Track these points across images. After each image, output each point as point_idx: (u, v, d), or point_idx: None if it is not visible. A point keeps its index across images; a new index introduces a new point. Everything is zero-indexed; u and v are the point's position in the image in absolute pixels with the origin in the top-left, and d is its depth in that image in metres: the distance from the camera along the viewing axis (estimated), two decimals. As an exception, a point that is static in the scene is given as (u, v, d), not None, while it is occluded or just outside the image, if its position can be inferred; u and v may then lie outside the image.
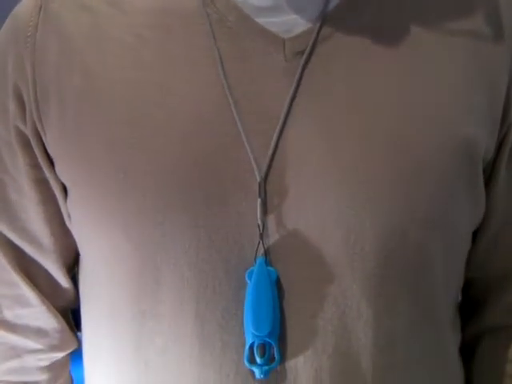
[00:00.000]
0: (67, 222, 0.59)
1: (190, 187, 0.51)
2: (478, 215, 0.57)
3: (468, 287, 0.63)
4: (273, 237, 0.51)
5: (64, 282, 0.62)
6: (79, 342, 0.64)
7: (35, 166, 0.57)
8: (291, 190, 0.51)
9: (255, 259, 0.52)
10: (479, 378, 0.64)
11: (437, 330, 0.57)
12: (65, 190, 0.57)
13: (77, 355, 0.68)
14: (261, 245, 0.51)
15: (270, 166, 0.51)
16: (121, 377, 0.57)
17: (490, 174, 0.57)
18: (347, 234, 0.51)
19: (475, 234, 0.59)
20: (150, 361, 0.54)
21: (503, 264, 0.61)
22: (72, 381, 0.69)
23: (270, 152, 0.51)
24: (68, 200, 0.57)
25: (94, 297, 0.59)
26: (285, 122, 0.51)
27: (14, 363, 0.62)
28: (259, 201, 0.51)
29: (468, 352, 0.64)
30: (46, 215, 0.58)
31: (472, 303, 0.64)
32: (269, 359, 0.52)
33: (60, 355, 0.63)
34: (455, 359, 0.61)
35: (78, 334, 0.68)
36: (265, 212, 0.51)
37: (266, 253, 0.52)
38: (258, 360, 0.52)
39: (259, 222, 0.51)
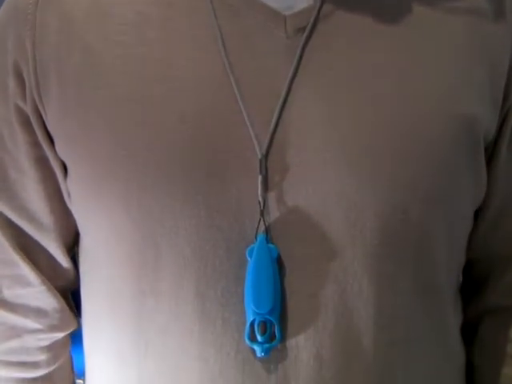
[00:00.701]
0: (67, 201, 0.58)
1: (190, 164, 0.51)
2: (479, 195, 0.57)
3: (469, 268, 0.63)
4: (273, 214, 0.51)
5: (64, 261, 0.61)
6: (79, 322, 0.64)
7: (35, 144, 0.57)
8: (292, 166, 0.51)
9: (256, 236, 0.51)
10: (480, 359, 0.64)
11: (438, 309, 0.57)
12: (65, 168, 0.57)
13: (76, 341, 0.68)
14: (261, 222, 0.51)
15: (271, 143, 0.51)
16: (121, 357, 0.57)
17: (491, 154, 0.57)
18: (348, 211, 0.51)
19: (476, 215, 0.59)
20: (150, 340, 0.54)
21: (504, 245, 0.61)
22: (72, 361, 0.68)
23: (271, 129, 0.51)
24: (68, 178, 0.57)
25: (94, 276, 0.58)
26: (286, 99, 0.51)
27: (13, 343, 0.61)
28: (260, 178, 0.51)
29: (469, 333, 0.64)
30: (45, 194, 0.58)
31: (473, 284, 0.64)
32: (270, 337, 0.52)
33: (60, 335, 0.63)
34: (456, 339, 0.61)
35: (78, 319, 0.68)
36: (266, 189, 0.51)
37: (267, 230, 0.51)
38: (259, 338, 0.52)
39: (260, 199, 0.51)
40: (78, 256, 0.62)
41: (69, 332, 0.64)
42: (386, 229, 0.52)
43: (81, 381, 0.73)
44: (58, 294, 0.62)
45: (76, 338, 0.69)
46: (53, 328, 0.62)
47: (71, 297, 0.66)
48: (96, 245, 0.57)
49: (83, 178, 0.55)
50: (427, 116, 0.52)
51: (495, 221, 0.60)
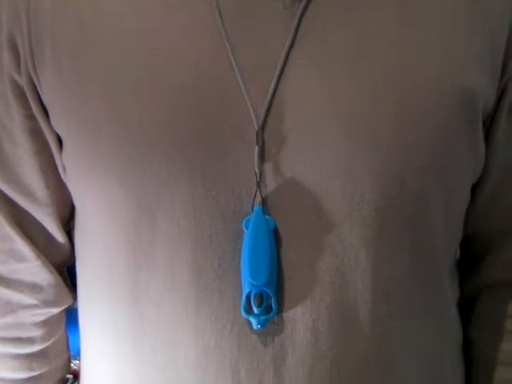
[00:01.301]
0: (62, 175, 0.58)
1: (186, 134, 0.50)
2: (477, 166, 0.57)
3: (466, 244, 0.63)
4: (270, 185, 0.51)
5: (59, 236, 0.61)
6: (75, 298, 0.64)
7: (30, 116, 0.56)
8: (289, 137, 0.51)
9: (252, 208, 0.51)
10: (478, 335, 0.64)
11: (436, 282, 0.57)
12: (60, 141, 0.57)
13: (72, 322, 0.68)
14: (258, 193, 0.51)
15: (267, 114, 0.51)
16: (116, 330, 0.56)
17: (489, 126, 0.57)
18: (345, 183, 0.51)
19: (474, 189, 0.59)
20: (146, 313, 0.54)
21: (502, 218, 0.61)
22: (67, 338, 0.68)
23: (268, 99, 0.50)
24: (63, 151, 0.56)
25: (90, 250, 0.58)
26: (283, 69, 0.51)
27: (8, 319, 0.61)
28: (257, 149, 0.50)
29: (466, 309, 0.64)
30: (40, 167, 0.58)
31: (470, 260, 0.64)
32: (266, 309, 0.52)
33: (55, 311, 0.63)
34: (453, 314, 0.61)
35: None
36: (262, 160, 0.51)
37: (264, 201, 0.51)
38: (255, 310, 0.51)
39: (256, 171, 0.50)
40: (73, 231, 0.62)
41: (64, 308, 0.64)
42: (383, 200, 0.51)
43: (77, 361, 0.73)
44: (54, 269, 0.61)
45: (72, 318, 0.69)
46: (48, 303, 0.62)
47: (67, 273, 0.66)
48: (91, 218, 0.57)
49: (78, 149, 0.54)
50: (425, 86, 0.52)
51: (493, 194, 0.59)
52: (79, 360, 0.67)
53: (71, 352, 0.75)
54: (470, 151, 0.55)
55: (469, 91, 0.53)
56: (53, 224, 0.60)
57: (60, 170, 0.58)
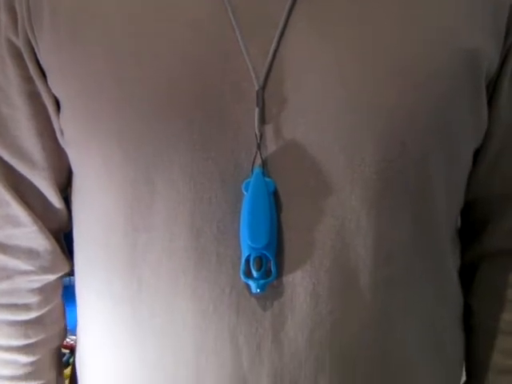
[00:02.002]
0: (59, 138, 0.57)
1: (186, 95, 0.50)
2: (479, 131, 0.56)
3: (468, 212, 0.62)
4: (270, 147, 0.50)
5: (56, 201, 0.60)
6: (71, 265, 0.63)
7: (27, 78, 0.55)
8: (290, 98, 0.50)
9: (252, 170, 0.50)
10: (479, 304, 0.63)
11: (437, 249, 0.56)
12: (57, 104, 0.56)
13: (69, 297, 0.68)
14: (258, 155, 0.50)
15: (268, 74, 0.50)
16: (113, 296, 0.56)
17: (492, 91, 0.56)
18: (347, 144, 0.50)
19: (476, 155, 0.58)
20: (143, 277, 0.53)
21: (504, 185, 0.60)
22: (64, 306, 0.67)
23: (269, 60, 0.50)
24: (60, 114, 0.56)
25: (87, 215, 0.57)
26: (284, 29, 0.50)
27: (4, 285, 0.60)
28: (257, 110, 0.50)
29: (467, 278, 0.63)
30: (37, 130, 0.57)
31: (471, 228, 0.63)
32: (265, 273, 0.51)
33: (52, 278, 0.62)
34: (454, 282, 0.61)
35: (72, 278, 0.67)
36: (262, 122, 0.50)
37: (264, 163, 0.50)
38: (255, 273, 0.51)
39: (257, 132, 0.50)
40: (70, 197, 0.61)
41: (61, 274, 0.63)
42: (384, 163, 0.51)
43: (74, 337, 0.72)
44: (50, 235, 0.61)
45: (69, 294, 0.69)
46: (44, 270, 0.61)
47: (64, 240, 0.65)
48: (88, 182, 0.56)
49: (76, 112, 0.53)
50: (428, 48, 0.51)
51: (495, 160, 0.58)
52: (76, 335, 0.67)
53: (68, 327, 0.75)
54: (473, 115, 0.54)
55: (472, 54, 0.52)
56: (50, 189, 0.59)
57: (57, 133, 0.57)
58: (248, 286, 0.51)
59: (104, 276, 0.56)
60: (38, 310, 0.62)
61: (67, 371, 0.73)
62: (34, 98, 0.56)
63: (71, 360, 0.72)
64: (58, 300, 0.65)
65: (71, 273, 0.66)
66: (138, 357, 0.55)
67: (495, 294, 0.62)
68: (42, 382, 0.64)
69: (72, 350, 0.88)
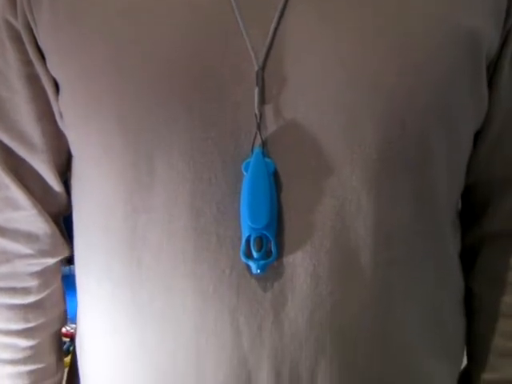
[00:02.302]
0: (59, 122, 0.57)
1: (185, 76, 0.50)
2: (480, 113, 0.56)
3: (468, 195, 0.62)
4: (270, 127, 0.50)
5: (56, 185, 0.60)
6: (71, 249, 0.63)
7: (26, 61, 0.55)
8: (290, 79, 0.50)
9: (252, 150, 0.50)
10: (480, 287, 0.63)
11: (437, 231, 0.56)
12: (56, 87, 0.56)
13: (69, 286, 0.68)
14: (258, 135, 0.50)
15: (268, 55, 0.50)
16: (112, 279, 0.56)
17: (493, 72, 0.56)
18: (347, 124, 0.50)
19: (477, 138, 0.58)
20: (143, 260, 0.53)
21: (504, 167, 0.60)
22: (63, 290, 0.67)
23: (269, 40, 0.50)
24: (60, 97, 0.55)
25: (86, 198, 0.57)
26: (284, 10, 0.50)
27: (3, 268, 0.60)
28: (257, 90, 0.49)
29: (468, 261, 0.63)
30: (36, 113, 0.57)
31: (472, 211, 0.63)
32: (266, 254, 0.51)
33: (51, 261, 0.62)
34: (455, 264, 0.61)
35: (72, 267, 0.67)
36: (262, 102, 0.50)
37: (264, 144, 0.50)
38: (255, 254, 0.51)
39: (256, 112, 0.50)
40: (70, 181, 0.61)
41: (60, 258, 0.63)
42: (384, 143, 0.50)
43: (74, 325, 0.72)
44: (50, 219, 0.60)
45: (68, 283, 0.69)
46: (44, 253, 0.61)
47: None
48: (88, 165, 0.56)
49: (75, 94, 0.53)
50: (428, 28, 0.51)
51: (496, 143, 0.58)
52: (76, 324, 0.67)
53: (68, 316, 0.75)
54: (473, 96, 0.54)
55: (472, 33, 0.52)
56: (49, 172, 0.59)
57: (56, 116, 0.57)
58: (248, 267, 0.51)
59: (104, 260, 0.56)
60: (37, 293, 0.62)
61: (67, 359, 0.73)
62: (33, 81, 0.56)
63: (71, 348, 0.72)
64: (57, 284, 0.65)
65: (71, 262, 0.66)
66: (137, 340, 0.55)
67: (496, 277, 0.62)
68: (41, 365, 0.64)
69: (72, 338, 0.88)
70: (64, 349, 0.80)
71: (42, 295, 0.63)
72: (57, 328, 0.66)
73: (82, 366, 0.64)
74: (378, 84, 0.50)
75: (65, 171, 0.61)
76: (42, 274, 0.62)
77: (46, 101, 0.57)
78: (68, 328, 1.03)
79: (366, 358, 0.54)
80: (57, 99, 0.56)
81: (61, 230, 0.63)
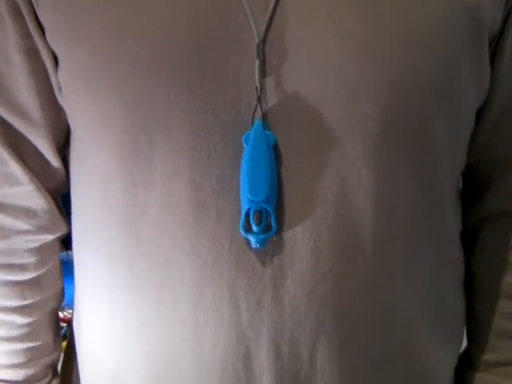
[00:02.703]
0: (58, 96, 0.57)
1: (185, 47, 0.49)
2: (482, 89, 0.55)
3: (470, 174, 0.62)
4: (271, 100, 0.50)
5: (54, 161, 0.60)
6: (69, 226, 0.62)
7: (26, 34, 0.55)
8: (291, 51, 0.49)
9: (252, 123, 0.50)
10: (480, 267, 0.63)
11: (438, 209, 0.56)
12: (55, 60, 0.55)
13: (67, 272, 0.67)
14: (258, 108, 0.49)
15: (269, 26, 0.49)
16: (111, 255, 0.55)
17: (494, 50, 0.55)
18: (348, 97, 0.49)
19: (478, 117, 0.58)
20: (142, 234, 0.53)
21: (505, 146, 0.59)
22: (61, 268, 0.67)
23: (270, 12, 0.49)
24: (59, 70, 0.55)
25: (85, 173, 0.57)
26: None
27: (1, 244, 0.60)
28: (257, 62, 0.49)
29: (469, 241, 0.63)
30: (36, 87, 0.56)
31: (473, 190, 0.63)
32: (265, 228, 0.51)
33: (49, 238, 0.62)
34: (456, 244, 0.60)
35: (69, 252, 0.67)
36: (263, 74, 0.49)
37: (264, 117, 0.50)
38: (254, 228, 0.50)
39: (257, 84, 0.49)
40: (68, 157, 0.61)
41: (58, 235, 0.63)
42: (385, 117, 0.50)
43: (71, 310, 0.72)
44: (48, 195, 0.60)
45: (67, 269, 0.68)
46: (42, 229, 0.61)
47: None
48: (87, 139, 0.55)
49: (75, 66, 0.53)
50: (428, 3, 0.50)
51: (497, 121, 0.58)
52: (73, 309, 0.67)
53: (65, 301, 0.75)
54: (475, 73, 0.53)
55: (473, 10, 0.51)
56: (47, 147, 0.59)
57: (55, 90, 0.56)
58: (248, 241, 0.51)
59: (103, 236, 0.56)
60: (34, 270, 0.62)
61: (64, 344, 0.73)
62: (32, 54, 0.55)
63: (68, 334, 0.72)
64: (54, 261, 0.64)
65: (69, 247, 0.66)
66: (135, 317, 0.55)
67: (497, 257, 0.62)
68: (38, 343, 0.63)
69: (69, 323, 0.88)
70: (61, 333, 0.80)
71: (40, 272, 0.62)
72: (54, 306, 0.66)
73: (80, 345, 0.63)
74: (379, 57, 0.49)
75: (63, 147, 0.61)
76: (39, 250, 0.62)
77: (45, 75, 0.56)
78: (65, 313, 1.03)
79: (366, 334, 0.53)
80: (56, 72, 0.55)
81: (59, 207, 0.62)
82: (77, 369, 0.64)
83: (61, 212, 0.62)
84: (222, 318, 0.52)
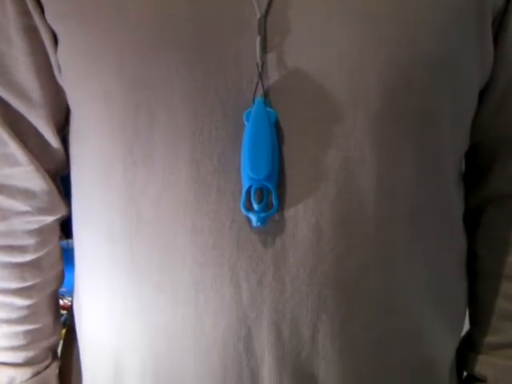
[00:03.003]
0: (57, 76, 0.56)
1: (185, 23, 0.49)
2: (485, 68, 0.55)
3: (473, 156, 0.61)
4: (273, 76, 0.49)
5: (53, 141, 0.59)
6: (68, 207, 0.62)
7: (25, 12, 0.54)
8: (293, 27, 0.49)
9: (254, 100, 0.49)
10: (483, 249, 0.62)
11: (441, 188, 0.55)
12: (55, 39, 0.55)
13: (68, 260, 0.67)
14: (260, 85, 0.49)
15: (270, 2, 0.49)
16: (111, 235, 0.55)
17: (498, 28, 0.55)
18: (350, 74, 0.49)
19: (481, 97, 0.57)
20: (142, 214, 0.52)
21: (509, 126, 0.59)
22: (61, 250, 0.66)
23: None
24: (59, 49, 0.54)
25: (86, 155, 0.56)
26: None
27: (0, 226, 0.60)
28: (259, 38, 0.48)
29: (471, 223, 0.62)
30: (35, 67, 0.56)
31: (476, 172, 0.62)
32: (266, 206, 0.50)
33: (48, 219, 0.61)
34: (459, 225, 0.60)
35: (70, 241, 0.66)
36: (264, 50, 0.49)
37: (266, 93, 0.49)
38: (255, 206, 0.50)
39: (258, 61, 0.49)
40: (68, 137, 0.60)
41: (58, 217, 0.62)
42: (388, 93, 0.49)
43: (71, 298, 0.72)
44: (47, 176, 0.59)
45: (67, 257, 0.68)
46: (41, 210, 0.60)
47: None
48: (87, 119, 0.55)
49: (74, 44, 0.52)
50: None
51: (501, 100, 0.57)
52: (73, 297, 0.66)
53: (65, 289, 0.74)
54: (478, 49, 0.53)
55: None
56: (47, 127, 0.58)
57: (55, 70, 0.56)
58: (249, 221, 0.50)
59: (104, 217, 0.55)
60: (34, 252, 0.61)
61: (64, 331, 0.72)
62: (31, 33, 0.55)
63: (68, 320, 0.72)
64: (54, 244, 0.64)
65: (69, 236, 0.65)
66: (135, 298, 0.55)
67: (499, 238, 0.61)
68: (37, 325, 0.63)
69: (69, 311, 0.88)
70: (61, 321, 0.79)
71: (39, 254, 0.62)
72: (53, 289, 0.65)
73: (81, 330, 0.63)
74: (382, 34, 0.49)
75: (63, 128, 0.60)
76: (39, 232, 0.61)
77: (45, 54, 0.56)
78: (65, 301, 1.03)
79: (368, 315, 0.53)
80: (55, 52, 0.55)
81: (58, 188, 0.62)
82: (77, 354, 0.64)
83: (60, 193, 0.62)
84: (222, 298, 0.51)
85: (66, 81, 0.55)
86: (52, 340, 0.66)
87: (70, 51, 0.53)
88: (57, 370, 0.67)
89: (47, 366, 0.66)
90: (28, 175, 0.59)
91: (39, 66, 0.56)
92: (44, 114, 0.57)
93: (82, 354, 0.63)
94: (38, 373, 0.65)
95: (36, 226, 0.61)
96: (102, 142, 0.54)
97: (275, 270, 0.51)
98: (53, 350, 0.67)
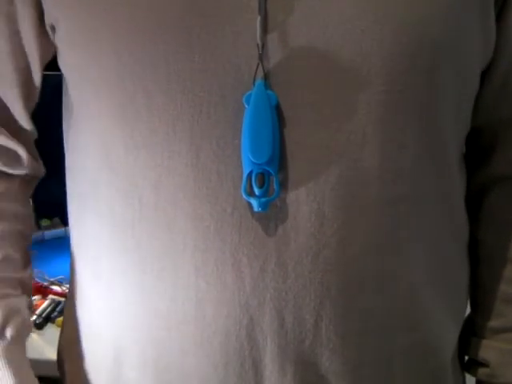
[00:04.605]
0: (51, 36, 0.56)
1: (184, 4, 0.48)
2: (488, 49, 0.54)
3: (474, 139, 0.60)
4: (273, 58, 0.48)
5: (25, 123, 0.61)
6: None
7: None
8: (294, 7, 0.48)
9: (254, 82, 0.48)
10: (485, 233, 0.62)
11: (443, 170, 0.55)
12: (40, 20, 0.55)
13: (64, 248, 0.66)
14: (260, 67, 0.48)
15: None
16: (113, 219, 0.54)
17: (501, 7, 0.54)
18: (354, 55, 0.48)
19: (484, 78, 0.56)
20: (144, 198, 0.52)
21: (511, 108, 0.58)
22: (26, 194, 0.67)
23: None
24: (57, 34, 0.54)
25: (85, 141, 0.55)
26: None
27: None
28: (259, 19, 0.47)
29: (473, 208, 0.61)
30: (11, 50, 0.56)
31: (478, 156, 0.62)
32: (268, 191, 0.49)
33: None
34: (461, 208, 0.59)
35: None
36: (265, 31, 0.48)
37: (266, 76, 0.48)
38: (256, 191, 0.49)
39: (259, 42, 0.48)
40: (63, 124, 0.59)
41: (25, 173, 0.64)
42: (392, 75, 0.49)
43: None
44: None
45: (64, 245, 0.67)
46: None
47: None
48: (87, 103, 0.54)
49: (74, 27, 0.52)
50: None
51: (504, 80, 0.56)
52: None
53: (63, 276, 0.73)
54: (481, 29, 0.52)
55: None
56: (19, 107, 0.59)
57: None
58: (250, 206, 0.49)
59: (104, 201, 0.54)
60: None
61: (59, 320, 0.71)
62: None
63: (65, 307, 0.71)
64: (13, 185, 0.64)
65: (66, 223, 0.64)
66: (136, 283, 0.54)
67: (502, 222, 0.61)
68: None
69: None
70: (60, 308, 0.79)
71: None
72: (17, 228, 0.64)
73: (80, 318, 0.62)
74: (386, 14, 0.48)
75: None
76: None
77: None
78: (63, 288, 1.02)
79: (371, 299, 0.52)
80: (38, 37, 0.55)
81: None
82: (75, 340, 0.63)
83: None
84: (224, 285, 0.51)
85: (67, 66, 0.55)
86: (19, 275, 0.63)
87: (70, 33, 0.53)
88: (28, 307, 0.64)
89: (17, 296, 0.62)
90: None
91: (15, 49, 0.56)
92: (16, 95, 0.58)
93: (82, 341, 0.62)
94: (7, 296, 0.61)
95: None
96: (103, 126, 0.53)
97: (278, 256, 0.50)
98: (22, 285, 0.64)
